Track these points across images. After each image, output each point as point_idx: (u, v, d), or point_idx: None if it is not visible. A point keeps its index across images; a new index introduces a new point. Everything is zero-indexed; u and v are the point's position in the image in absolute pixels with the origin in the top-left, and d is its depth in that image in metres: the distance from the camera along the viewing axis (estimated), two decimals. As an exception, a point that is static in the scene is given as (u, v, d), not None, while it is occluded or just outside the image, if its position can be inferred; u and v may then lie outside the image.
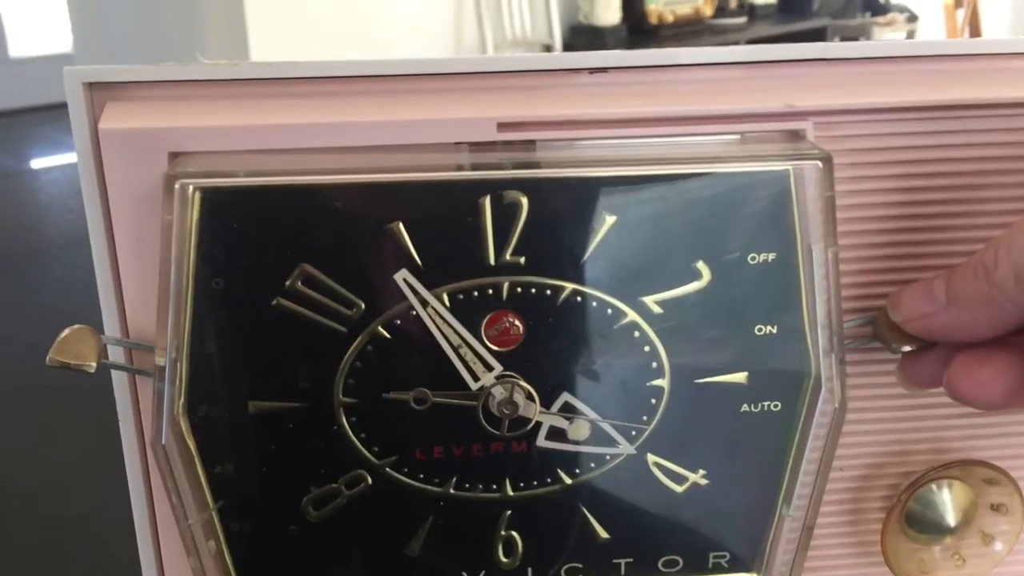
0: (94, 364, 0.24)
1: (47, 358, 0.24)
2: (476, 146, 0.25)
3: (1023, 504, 0.29)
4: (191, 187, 0.24)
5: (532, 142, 0.25)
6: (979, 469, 0.29)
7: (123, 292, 0.25)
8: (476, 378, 0.26)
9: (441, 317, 0.25)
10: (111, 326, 0.26)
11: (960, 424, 0.29)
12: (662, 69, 0.26)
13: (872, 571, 0.30)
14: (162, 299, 0.24)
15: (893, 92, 0.26)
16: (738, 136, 0.26)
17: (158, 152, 0.24)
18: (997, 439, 0.29)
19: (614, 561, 0.29)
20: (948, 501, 0.29)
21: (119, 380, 0.26)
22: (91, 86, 0.25)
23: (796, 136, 0.26)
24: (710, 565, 0.29)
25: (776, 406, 0.27)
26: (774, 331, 0.27)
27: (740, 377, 0.27)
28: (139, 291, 0.25)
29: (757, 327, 0.26)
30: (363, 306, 0.25)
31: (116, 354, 0.26)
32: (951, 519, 0.29)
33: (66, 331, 0.24)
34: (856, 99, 0.26)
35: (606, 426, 0.27)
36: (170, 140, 0.24)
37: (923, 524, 0.29)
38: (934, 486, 0.29)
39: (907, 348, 0.26)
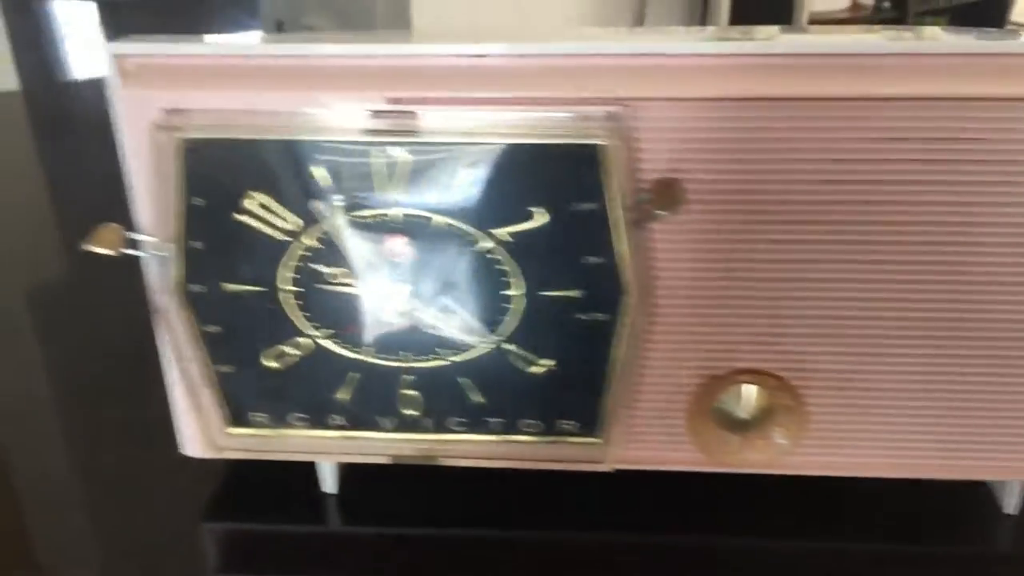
0: (117, 251, 0.36)
1: (81, 246, 0.36)
2: (375, 113, 0.34)
3: (802, 407, 0.37)
4: (176, 137, 0.34)
5: (414, 112, 0.34)
6: (769, 379, 0.37)
7: (142, 202, 0.37)
8: (375, 280, 0.36)
9: (348, 235, 0.35)
10: (138, 225, 0.38)
11: (756, 341, 0.37)
12: (524, 57, 0.34)
13: (684, 444, 0.39)
14: (161, 207, 0.36)
15: (698, 86, 0.33)
16: (572, 114, 0.34)
17: (156, 107, 0.35)
18: (787, 354, 0.37)
19: (487, 419, 0.39)
20: (748, 400, 0.37)
21: (145, 265, 0.38)
22: (118, 56, 0.36)
23: (614, 117, 0.33)
24: (559, 429, 0.39)
25: (603, 316, 0.36)
26: (600, 261, 0.35)
27: (575, 293, 0.36)
28: (151, 203, 0.37)
29: (586, 257, 0.35)
30: (301, 223, 0.36)
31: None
32: (749, 414, 0.37)
33: (99, 227, 0.36)
34: (661, 90, 0.33)
35: (471, 321, 0.36)
36: (164, 99, 0.35)
37: (726, 415, 0.38)
38: (737, 388, 0.37)
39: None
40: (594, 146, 0.33)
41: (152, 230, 0.37)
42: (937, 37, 0.35)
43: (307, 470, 0.43)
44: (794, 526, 0.40)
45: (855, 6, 3.36)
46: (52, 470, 0.46)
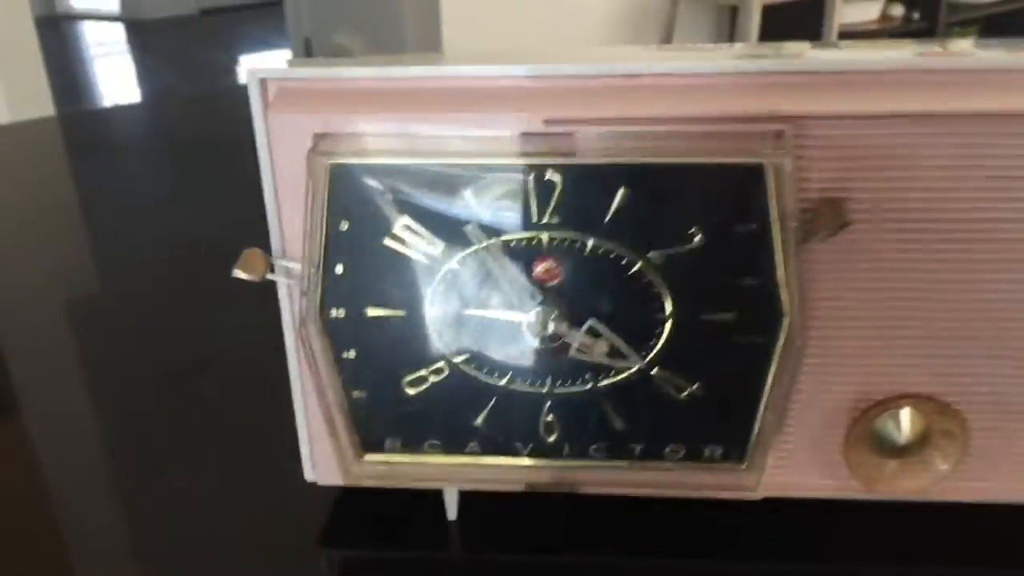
0: (261, 276, 0.36)
1: (232, 272, 0.35)
2: (529, 135, 0.34)
3: (965, 432, 0.36)
4: (325, 161, 0.34)
5: (571, 133, 0.33)
6: (930, 403, 0.36)
7: (283, 227, 0.36)
8: (524, 304, 0.35)
9: (498, 258, 0.35)
10: (276, 250, 0.37)
11: (916, 364, 0.36)
12: (681, 76, 0.34)
13: (835, 472, 0.38)
14: (306, 232, 0.35)
15: (861, 101, 0.32)
16: (734, 133, 0.33)
17: (305, 131, 0.34)
18: (946, 377, 0.36)
19: (629, 445, 0.38)
20: (907, 424, 0.36)
21: (283, 289, 0.38)
22: (262, 80, 0.35)
23: (778, 135, 0.33)
24: (705, 455, 0.38)
25: (759, 339, 0.35)
26: (755, 283, 0.34)
27: (730, 315, 0.35)
28: (296, 226, 0.36)
29: (742, 279, 0.34)
30: (443, 246, 0.35)
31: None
32: (907, 439, 0.36)
33: (244, 252, 0.36)
34: (826, 107, 0.32)
35: (621, 345, 0.36)
36: (313, 123, 0.34)
37: (884, 440, 0.37)
38: (898, 412, 0.36)
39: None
40: (759, 165, 0.32)
41: (295, 255, 0.36)
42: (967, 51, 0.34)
43: (419, 496, 0.42)
44: (941, 554, 0.39)
45: (884, 18, 3.36)
46: (165, 495, 0.46)
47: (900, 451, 0.37)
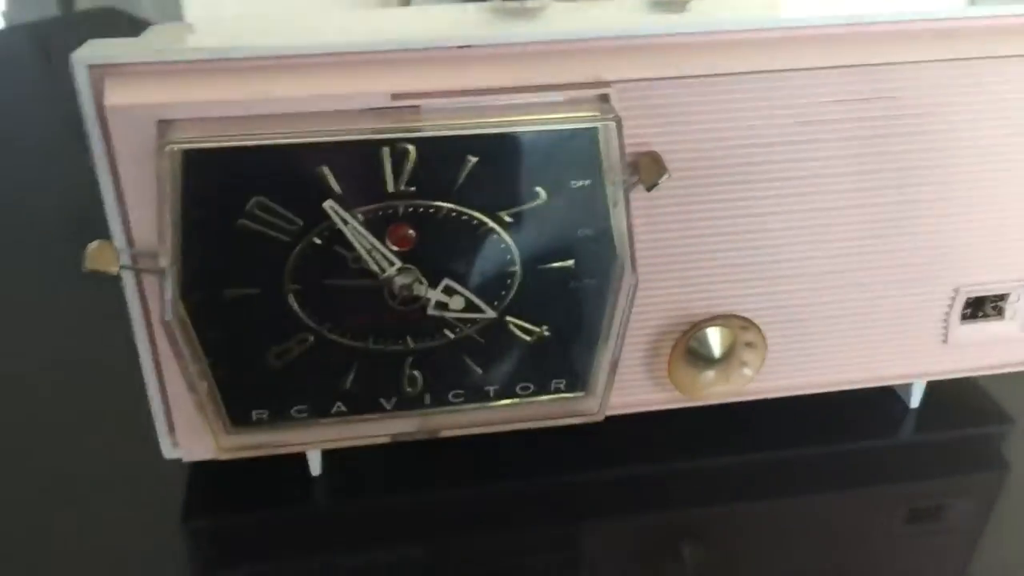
0: (116, 269, 0.35)
1: (83, 267, 0.34)
2: (376, 111, 0.35)
3: (764, 341, 0.42)
4: (174, 148, 0.34)
5: (418, 107, 0.35)
6: (736, 319, 0.42)
7: (129, 218, 0.36)
8: (383, 270, 0.37)
9: (356, 230, 0.36)
10: (121, 241, 0.36)
11: (723, 288, 0.42)
12: (512, 46, 0.36)
13: (663, 386, 0.44)
14: (160, 221, 0.35)
15: (678, 64, 0.37)
16: (565, 99, 0.36)
17: (148, 120, 0.34)
18: (749, 297, 0.42)
19: (485, 388, 0.41)
20: (717, 340, 0.42)
21: (128, 280, 0.37)
22: (91, 67, 0.34)
23: (604, 99, 0.36)
24: (552, 388, 0.42)
25: (596, 282, 0.39)
26: (591, 232, 0.38)
27: (569, 263, 0.39)
28: (143, 213, 0.36)
29: (579, 230, 0.38)
30: (301, 223, 0.36)
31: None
32: (718, 352, 0.42)
33: (91, 245, 0.35)
34: (647, 72, 0.36)
35: (475, 299, 0.39)
36: (157, 111, 0.34)
37: (700, 355, 0.43)
38: (708, 330, 0.42)
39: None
40: (590, 128, 0.36)
41: (144, 245, 0.36)
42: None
43: (277, 460, 0.43)
44: (741, 444, 0.46)
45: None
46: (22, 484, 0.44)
47: (714, 363, 0.43)
